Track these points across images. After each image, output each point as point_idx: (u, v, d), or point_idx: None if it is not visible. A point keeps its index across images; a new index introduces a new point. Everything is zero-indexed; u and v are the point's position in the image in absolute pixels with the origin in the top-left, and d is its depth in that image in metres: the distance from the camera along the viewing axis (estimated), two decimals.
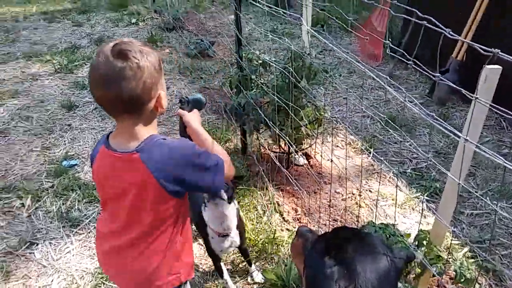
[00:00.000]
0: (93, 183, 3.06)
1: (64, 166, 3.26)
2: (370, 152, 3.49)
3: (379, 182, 3.16)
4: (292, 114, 2.46)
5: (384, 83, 1.60)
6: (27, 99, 4.39)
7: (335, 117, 3.96)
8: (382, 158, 2.08)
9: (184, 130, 1.51)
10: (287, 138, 2.70)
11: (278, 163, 2.83)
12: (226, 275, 2.21)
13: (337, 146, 3.64)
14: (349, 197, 3.06)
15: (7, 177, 3.20)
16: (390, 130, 3.79)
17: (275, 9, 2.67)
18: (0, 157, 3.44)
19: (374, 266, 1.00)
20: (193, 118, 1.49)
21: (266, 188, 2.98)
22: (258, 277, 2.35)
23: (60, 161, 3.33)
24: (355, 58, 1.93)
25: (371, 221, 1.92)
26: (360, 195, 3.04)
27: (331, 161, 2.33)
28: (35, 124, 3.92)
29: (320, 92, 3.57)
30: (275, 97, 2.58)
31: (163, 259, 1.35)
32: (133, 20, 6.83)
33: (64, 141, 3.67)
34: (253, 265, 2.35)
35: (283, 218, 2.80)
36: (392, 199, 2.98)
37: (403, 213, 2.88)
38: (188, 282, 1.49)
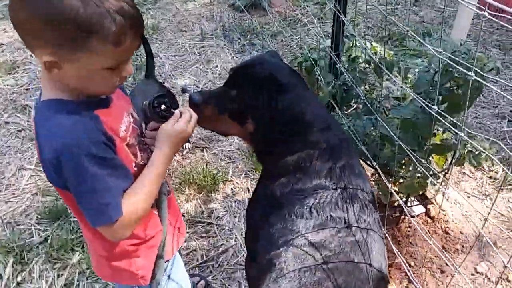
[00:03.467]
0: None
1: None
2: None
3: None
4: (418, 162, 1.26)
5: None
6: (25, 75, 3.32)
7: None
8: None
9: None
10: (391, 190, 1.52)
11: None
12: None
13: (463, 173, 2.41)
14: (500, 280, 1.91)
15: None
16: None
17: None
18: None
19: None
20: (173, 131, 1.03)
21: None
22: None
23: None
24: None
25: None
26: None
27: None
28: (32, 120, 2.88)
29: None
30: (397, 140, 1.36)
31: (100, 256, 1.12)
32: None
33: None
34: None
35: None
36: None
37: None
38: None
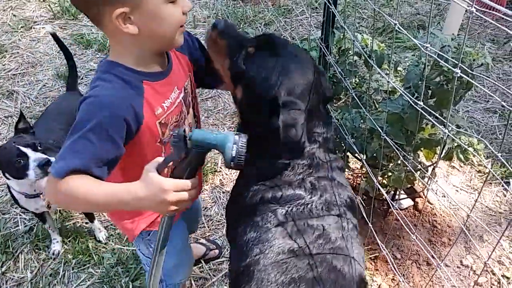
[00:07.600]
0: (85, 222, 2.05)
1: None
2: (509, 184, 2.25)
3: None
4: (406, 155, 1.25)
5: None
6: (14, 60, 3.26)
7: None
8: None
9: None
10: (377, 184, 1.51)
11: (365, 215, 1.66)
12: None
13: (453, 167, 2.41)
14: (484, 273, 1.92)
15: None
16: None
17: None
18: None
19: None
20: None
21: None
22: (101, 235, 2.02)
23: None
24: None
25: None
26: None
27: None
28: (20, 106, 2.84)
29: None
30: (383, 135, 1.35)
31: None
32: None
33: None
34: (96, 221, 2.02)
35: None
36: None
37: None
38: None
